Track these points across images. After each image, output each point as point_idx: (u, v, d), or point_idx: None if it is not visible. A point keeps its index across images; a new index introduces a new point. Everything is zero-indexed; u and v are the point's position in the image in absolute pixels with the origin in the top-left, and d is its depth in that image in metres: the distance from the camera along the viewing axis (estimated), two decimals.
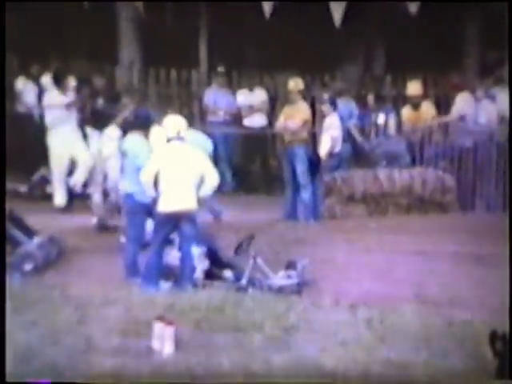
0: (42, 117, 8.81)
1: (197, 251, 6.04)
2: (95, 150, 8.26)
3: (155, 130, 6.45)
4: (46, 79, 9.21)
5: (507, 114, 8.25)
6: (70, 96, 8.40)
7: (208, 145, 7.05)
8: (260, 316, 5.02)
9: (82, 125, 8.48)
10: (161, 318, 4.59)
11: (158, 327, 4.52)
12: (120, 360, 4.31)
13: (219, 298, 5.46)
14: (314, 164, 8.22)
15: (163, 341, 4.47)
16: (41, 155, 8.62)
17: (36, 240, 6.54)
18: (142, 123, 6.47)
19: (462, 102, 8.64)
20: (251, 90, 9.91)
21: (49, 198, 8.42)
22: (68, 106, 8.29)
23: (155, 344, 4.49)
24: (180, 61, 10.36)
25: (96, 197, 8.12)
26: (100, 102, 8.81)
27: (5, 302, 4.55)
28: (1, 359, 3.96)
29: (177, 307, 5.19)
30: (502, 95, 8.37)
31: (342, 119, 8.68)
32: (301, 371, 4.21)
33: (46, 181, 8.68)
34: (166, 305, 5.22)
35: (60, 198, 8.30)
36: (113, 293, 5.44)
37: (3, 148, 6.03)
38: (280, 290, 5.73)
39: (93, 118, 8.67)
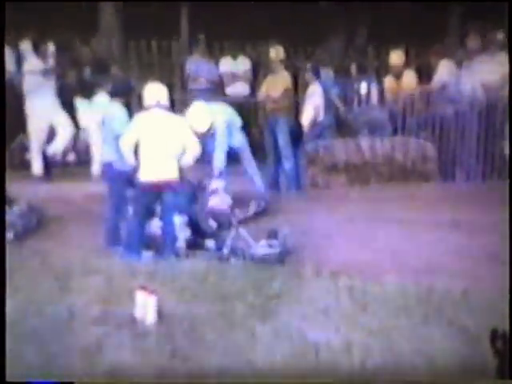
0: (20, 84, 8.68)
1: (178, 220, 6.03)
2: (87, 117, 8.19)
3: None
4: (25, 46, 9.05)
5: (487, 82, 8.28)
6: (50, 63, 8.28)
7: (237, 120, 7.10)
8: (242, 285, 5.04)
9: (66, 93, 8.40)
10: (143, 288, 4.58)
11: (141, 296, 4.51)
12: (102, 329, 4.31)
13: (202, 267, 5.46)
14: (296, 134, 8.20)
15: (146, 310, 4.47)
16: (19, 123, 8.51)
17: (15, 208, 6.49)
18: (121, 90, 6.39)
19: (443, 70, 8.62)
20: (234, 58, 9.84)
21: (28, 165, 8.34)
22: (46, 73, 8.17)
23: (138, 313, 4.49)
24: (161, 30, 10.24)
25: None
26: (87, 71, 8.73)
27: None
28: (1, 355, 3.93)
29: (159, 276, 5.19)
30: (483, 64, 8.37)
31: (324, 89, 8.65)
32: (284, 340, 4.23)
33: (24, 148, 8.59)
34: (148, 274, 5.22)
35: (38, 166, 8.23)
36: (94, 261, 5.42)
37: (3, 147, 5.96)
38: (262, 259, 5.73)
39: (80, 88, 8.60)
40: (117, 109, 6.19)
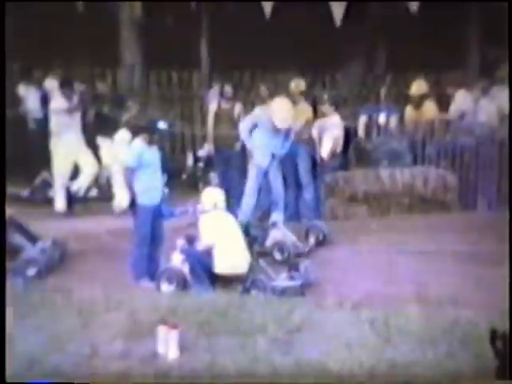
0: (43, 121, 8.82)
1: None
2: (110, 155, 8.28)
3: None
4: (51, 83, 9.20)
5: (507, 112, 8.26)
6: (75, 101, 8.41)
7: None
8: (263, 318, 5.03)
9: (88, 131, 8.52)
10: (164, 322, 4.59)
11: (162, 331, 4.53)
12: (125, 364, 4.31)
13: (223, 300, 5.46)
14: (316, 165, 8.23)
15: (167, 345, 4.48)
16: (42, 160, 8.63)
17: (39, 245, 6.54)
18: (142, 127, 6.47)
19: (460, 100, 8.63)
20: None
21: (50, 202, 8.43)
22: (71, 111, 8.30)
23: (160, 348, 4.50)
24: (181, 62, 10.38)
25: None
26: (105, 107, 8.84)
27: (5, 307, 4.54)
28: (1, 365, 3.96)
29: (180, 310, 5.19)
30: (502, 94, 8.36)
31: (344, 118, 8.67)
32: (305, 374, 4.20)
33: (47, 185, 8.69)
34: (169, 308, 5.22)
35: (61, 203, 8.31)
36: (116, 296, 5.44)
37: (3, 153, 6.02)
38: (283, 291, 5.72)
39: (99, 124, 8.71)
40: (137, 145, 6.27)
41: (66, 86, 8.43)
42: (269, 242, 6.65)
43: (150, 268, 6.12)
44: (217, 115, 8.66)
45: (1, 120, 6.49)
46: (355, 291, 5.66)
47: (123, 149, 7.43)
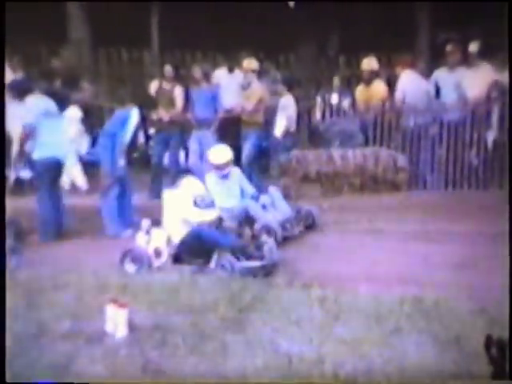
0: None
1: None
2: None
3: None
4: None
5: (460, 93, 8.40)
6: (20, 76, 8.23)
7: None
8: (214, 297, 5.02)
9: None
10: (113, 301, 4.54)
11: (111, 310, 4.47)
12: (72, 344, 4.26)
13: (174, 279, 5.43)
14: (267, 145, 8.25)
15: (116, 324, 4.43)
16: None
17: None
18: None
19: (404, 80, 8.71)
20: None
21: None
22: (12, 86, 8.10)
23: (108, 327, 4.45)
24: (131, 41, 10.23)
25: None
26: (57, 84, 8.65)
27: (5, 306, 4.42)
28: (1, 365, 3.88)
29: (130, 289, 5.15)
30: (450, 76, 8.48)
31: (297, 99, 8.70)
32: (256, 351, 4.22)
33: None
34: (119, 287, 5.18)
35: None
36: (64, 276, 5.37)
37: (3, 153, 6.06)
38: (249, 272, 5.67)
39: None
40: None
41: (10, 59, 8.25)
42: (257, 225, 6.57)
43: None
44: (157, 95, 8.55)
45: (1, 120, 6.36)
46: (306, 270, 5.69)
47: (73, 127, 7.35)
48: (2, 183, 6.07)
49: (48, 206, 6.87)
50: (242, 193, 6.94)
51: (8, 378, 3.78)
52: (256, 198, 6.84)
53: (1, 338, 4.00)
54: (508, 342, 3.59)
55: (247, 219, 6.62)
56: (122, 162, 6.92)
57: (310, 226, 6.91)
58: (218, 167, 6.83)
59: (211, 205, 6.17)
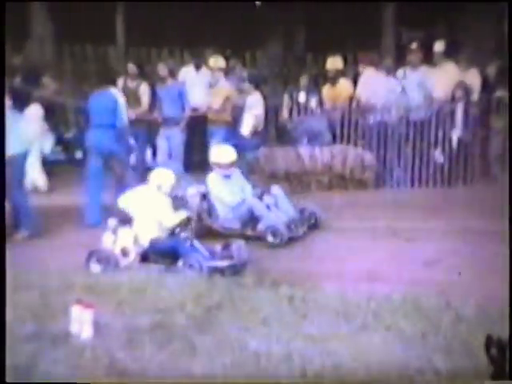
0: None
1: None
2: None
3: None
4: None
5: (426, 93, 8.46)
6: None
7: None
8: (182, 296, 4.98)
9: None
10: (79, 301, 4.47)
11: (76, 310, 4.40)
12: (36, 345, 4.19)
13: (141, 278, 5.37)
14: (235, 143, 8.21)
15: (82, 324, 4.36)
16: None
17: None
18: None
19: (367, 78, 8.75)
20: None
21: None
22: None
23: (73, 328, 4.37)
24: (96, 37, 10.11)
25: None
26: (17, 80, 8.50)
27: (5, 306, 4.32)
28: (1, 365, 3.79)
29: (97, 289, 5.08)
30: (416, 75, 8.54)
31: (264, 97, 8.69)
32: (224, 350, 4.19)
33: None
34: (85, 287, 5.10)
35: None
36: (27, 275, 5.27)
37: (3, 153, 6.04)
38: (218, 270, 5.62)
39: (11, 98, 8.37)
40: None
41: None
42: (261, 226, 6.49)
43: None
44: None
45: (0, 120, 6.24)
46: (274, 268, 5.68)
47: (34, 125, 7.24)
48: (2, 183, 5.97)
49: (19, 203, 6.72)
50: (243, 193, 6.87)
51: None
52: (260, 198, 6.77)
53: (1, 337, 3.93)
54: (508, 342, 3.60)
55: (251, 219, 6.55)
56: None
57: (313, 226, 6.81)
58: (222, 167, 6.79)
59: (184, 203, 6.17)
